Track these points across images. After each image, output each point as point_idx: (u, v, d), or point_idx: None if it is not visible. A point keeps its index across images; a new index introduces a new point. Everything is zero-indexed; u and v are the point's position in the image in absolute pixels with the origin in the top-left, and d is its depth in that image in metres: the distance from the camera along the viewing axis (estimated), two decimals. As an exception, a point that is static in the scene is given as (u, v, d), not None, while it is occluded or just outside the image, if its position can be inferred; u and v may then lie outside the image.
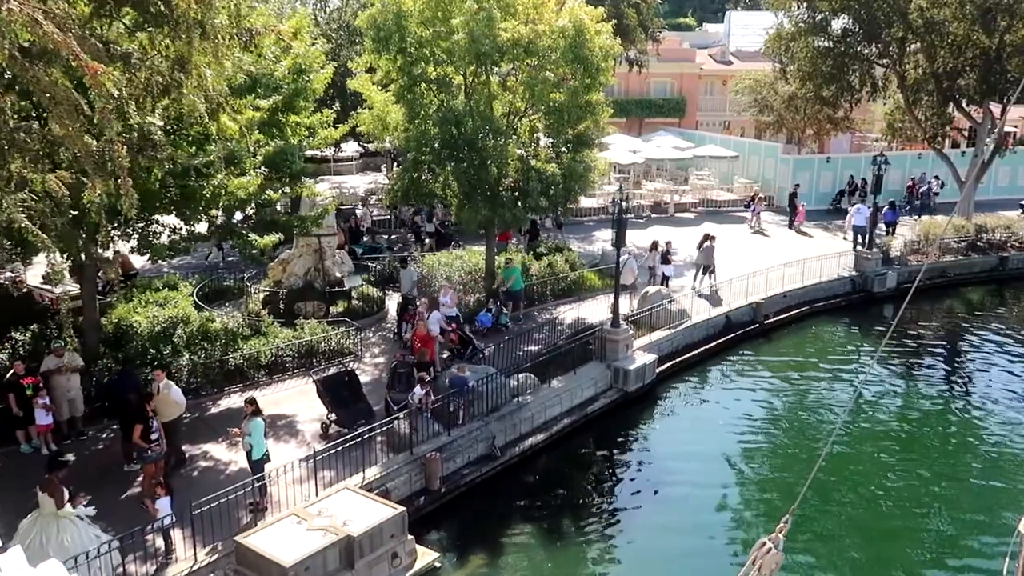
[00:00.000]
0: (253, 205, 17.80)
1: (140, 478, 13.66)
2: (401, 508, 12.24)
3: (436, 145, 20.89)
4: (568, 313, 23.13)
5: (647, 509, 15.71)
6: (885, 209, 33.07)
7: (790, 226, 35.05)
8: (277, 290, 21.81)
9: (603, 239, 32.68)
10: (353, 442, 13.95)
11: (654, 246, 25.19)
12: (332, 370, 17.30)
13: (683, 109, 52.33)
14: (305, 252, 22.04)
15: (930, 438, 18.91)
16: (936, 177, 38.23)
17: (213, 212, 16.01)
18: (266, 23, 11.69)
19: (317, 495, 13.00)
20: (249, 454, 13.21)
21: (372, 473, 14.02)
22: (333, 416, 15.56)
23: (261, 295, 21.91)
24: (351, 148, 42.34)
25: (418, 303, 19.37)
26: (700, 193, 40.95)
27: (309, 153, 39.88)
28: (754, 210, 35.40)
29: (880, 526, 15.15)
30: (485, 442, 15.80)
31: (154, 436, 13.22)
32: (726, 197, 40.81)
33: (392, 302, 23.63)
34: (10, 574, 10.28)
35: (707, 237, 25.69)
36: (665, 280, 24.61)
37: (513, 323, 21.92)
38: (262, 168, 16.03)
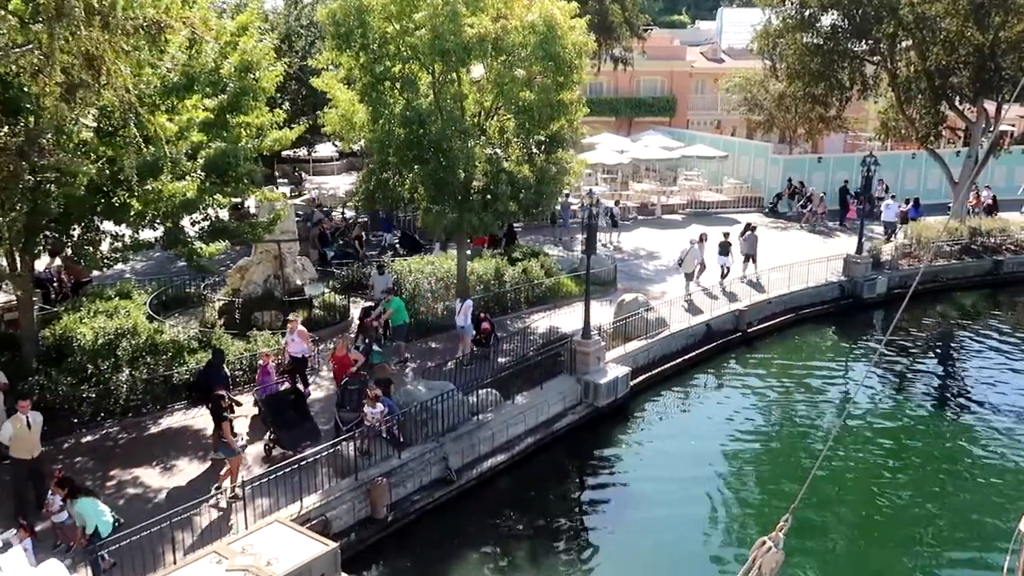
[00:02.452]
0: (200, 211, 16.84)
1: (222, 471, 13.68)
2: (334, 544, 11.23)
3: (402, 145, 19.94)
4: (541, 322, 22.08)
5: (618, 531, 14.81)
6: (909, 206, 32.86)
7: (840, 223, 34.97)
8: (235, 299, 20.87)
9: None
10: (291, 468, 12.97)
11: (702, 238, 25.25)
12: (283, 386, 16.31)
13: (673, 108, 51.40)
14: (264, 259, 21.08)
15: (924, 449, 18.08)
16: (880, 180, 37.10)
17: (151, 218, 14.98)
18: (180, 14, 10.67)
19: (247, 527, 12.01)
20: (94, 534, 11.24)
21: (311, 501, 13.03)
22: (276, 438, 14.55)
23: (218, 304, 20.93)
24: (328, 149, 41.31)
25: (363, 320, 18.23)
26: (689, 194, 39.96)
27: (285, 154, 39.34)
28: (810, 210, 34.86)
29: (874, 537, 14.54)
30: (439, 465, 14.80)
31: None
32: (715, 198, 39.84)
33: (357, 310, 22.69)
34: (10, 574, 9.61)
35: (749, 227, 26.85)
36: (726, 271, 25.42)
37: (397, 364, 18.61)
38: (198, 172, 14.98)
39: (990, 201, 35.39)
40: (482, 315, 19.85)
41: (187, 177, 14.57)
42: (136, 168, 11.87)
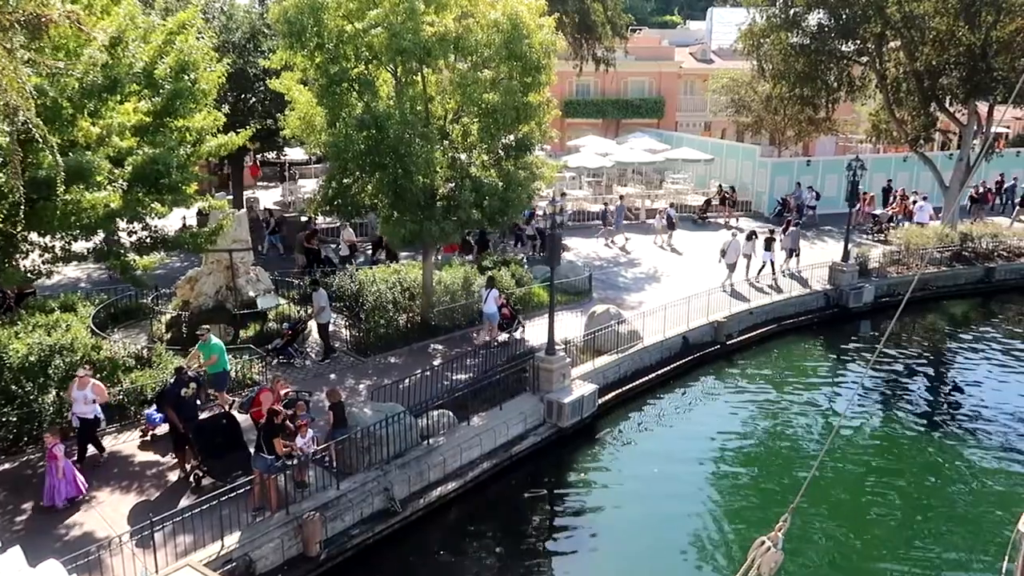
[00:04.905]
0: (138, 220, 15.78)
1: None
2: (246, 593, 10.24)
3: (361, 149, 18.90)
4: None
5: (582, 563, 13.83)
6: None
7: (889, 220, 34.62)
8: (186, 311, 19.81)
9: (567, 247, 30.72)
10: (213, 501, 11.91)
11: (750, 236, 26.26)
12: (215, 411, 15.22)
13: (661, 109, 50.41)
14: (215, 269, 20.02)
15: (915, 464, 17.31)
16: (810, 188, 35.98)
17: (74, 231, 13.95)
18: (66, 9, 9.65)
19: (157, 572, 10.97)
20: None
21: (234, 539, 11.98)
22: (204, 466, 13.51)
23: (166, 317, 19.87)
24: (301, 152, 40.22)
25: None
26: (674, 198, 38.87)
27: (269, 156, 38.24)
28: (858, 209, 33.97)
29: (868, 545, 14.12)
30: (382, 495, 13.75)
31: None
32: (701, 202, 38.70)
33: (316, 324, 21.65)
34: (9, 574, 9.17)
35: (791, 223, 28.46)
36: (772, 265, 26.40)
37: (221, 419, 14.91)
38: (121, 181, 13.91)
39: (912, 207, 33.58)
40: (503, 301, 20.66)
41: (109, 187, 13.48)
42: (23, 182, 10.79)
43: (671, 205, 34.09)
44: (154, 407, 15.01)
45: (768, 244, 26.25)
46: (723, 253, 25.62)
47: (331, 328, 21.09)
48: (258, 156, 38.63)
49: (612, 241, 32.00)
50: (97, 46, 12.95)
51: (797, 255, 27.31)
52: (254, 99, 27.46)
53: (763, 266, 26.33)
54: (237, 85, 27.78)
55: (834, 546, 14.15)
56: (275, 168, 44.67)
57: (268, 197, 40.45)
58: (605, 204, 33.34)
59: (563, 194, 34.49)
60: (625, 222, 35.91)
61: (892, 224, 32.57)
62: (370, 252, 27.75)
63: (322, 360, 19.19)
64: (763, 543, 6.06)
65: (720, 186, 37.02)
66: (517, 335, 20.63)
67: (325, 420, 14.72)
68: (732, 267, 25.45)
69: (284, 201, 38.34)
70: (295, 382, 17.68)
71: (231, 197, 31.53)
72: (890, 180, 36.33)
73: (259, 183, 45.10)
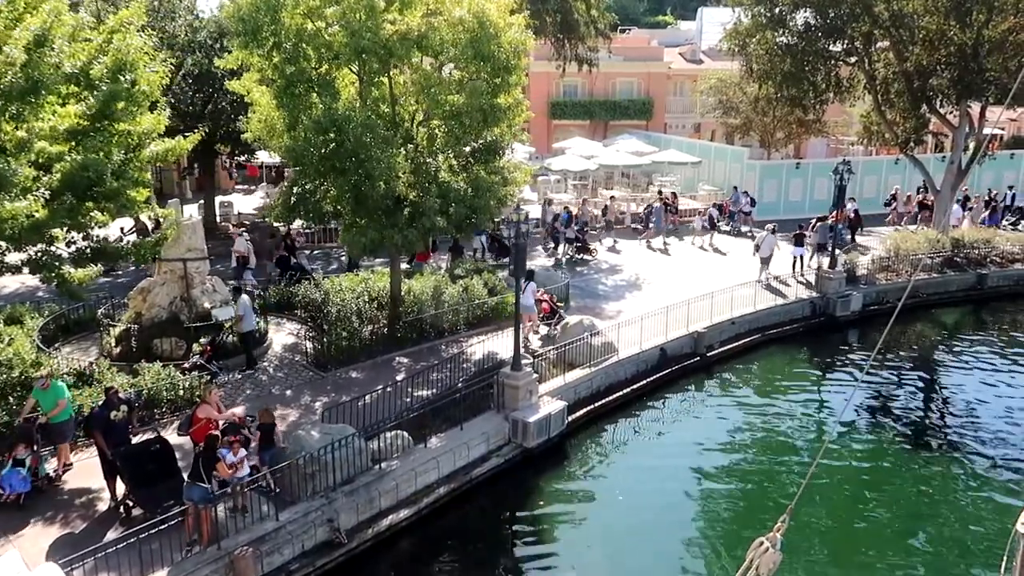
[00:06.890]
0: (80, 231, 14.88)
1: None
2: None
3: (320, 154, 17.99)
4: (479, 347, 20.09)
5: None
6: (986, 213, 32.61)
7: (915, 222, 34.73)
8: (138, 324, 18.86)
9: (542, 255, 29.87)
10: (135, 537, 10.99)
11: (774, 230, 26.35)
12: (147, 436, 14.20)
13: (650, 111, 49.57)
14: (169, 279, 19.09)
15: (907, 477, 16.56)
16: (745, 192, 35.04)
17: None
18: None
19: (65, 618, 10.06)
20: None
21: (158, 578, 11.07)
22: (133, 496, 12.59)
23: (116, 330, 18.93)
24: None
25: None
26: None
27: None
28: (895, 209, 34.97)
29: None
30: (326, 525, 12.83)
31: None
32: (689, 205, 37.86)
33: (280, 335, 20.79)
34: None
35: (820, 219, 28.33)
36: (800, 260, 26.81)
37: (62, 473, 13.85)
38: (43, 190, 12.98)
39: (852, 215, 32.25)
40: (546, 296, 21.55)
41: (31, 195, 12.56)
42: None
43: (714, 205, 33.27)
44: (8, 466, 13.23)
45: (798, 240, 26.53)
46: (757, 248, 26.13)
47: (292, 340, 20.34)
48: (232, 158, 37.66)
49: (651, 244, 31.59)
50: (20, 43, 12.02)
51: (825, 250, 27.10)
52: (224, 101, 26.53)
53: (796, 261, 26.67)
54: (207, 85, 26.92)
55: (829, 555, 13.57)
56: (269, 170, 43.83)
57: (253, 201, 39.58)
58: (648, 206, 33.33)
59: (612, 198, 34.06)
60: (618, 226, 35.14)
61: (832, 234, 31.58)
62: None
63: (244, 370, 18.19)
64: (762, 544, 5.92)
65: (660, 191, 36.17)
66: (559, 329, 20.73)
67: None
68: (766, 261, 25.79)
69: (263, 205, 37.40)
70: (247, 400, 16.81)
71: (202, 202, 30.66)
72: (925, 180, 35.54)
73: (247, 186, 44.32)
